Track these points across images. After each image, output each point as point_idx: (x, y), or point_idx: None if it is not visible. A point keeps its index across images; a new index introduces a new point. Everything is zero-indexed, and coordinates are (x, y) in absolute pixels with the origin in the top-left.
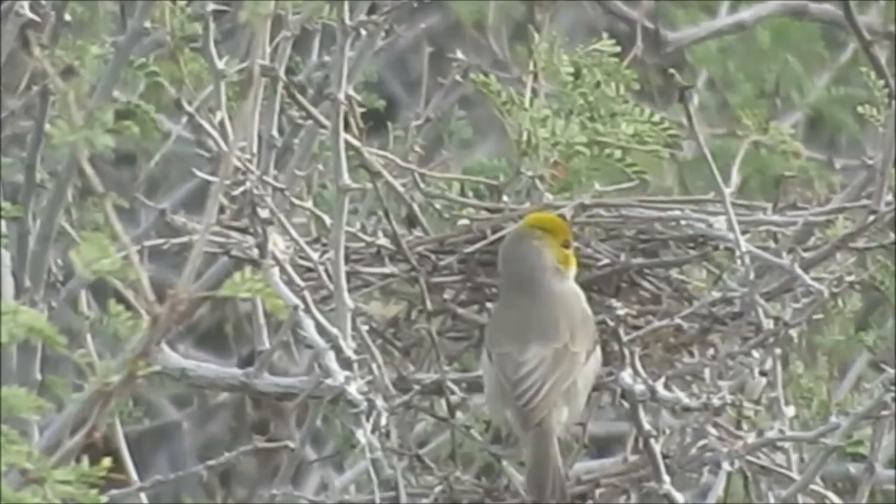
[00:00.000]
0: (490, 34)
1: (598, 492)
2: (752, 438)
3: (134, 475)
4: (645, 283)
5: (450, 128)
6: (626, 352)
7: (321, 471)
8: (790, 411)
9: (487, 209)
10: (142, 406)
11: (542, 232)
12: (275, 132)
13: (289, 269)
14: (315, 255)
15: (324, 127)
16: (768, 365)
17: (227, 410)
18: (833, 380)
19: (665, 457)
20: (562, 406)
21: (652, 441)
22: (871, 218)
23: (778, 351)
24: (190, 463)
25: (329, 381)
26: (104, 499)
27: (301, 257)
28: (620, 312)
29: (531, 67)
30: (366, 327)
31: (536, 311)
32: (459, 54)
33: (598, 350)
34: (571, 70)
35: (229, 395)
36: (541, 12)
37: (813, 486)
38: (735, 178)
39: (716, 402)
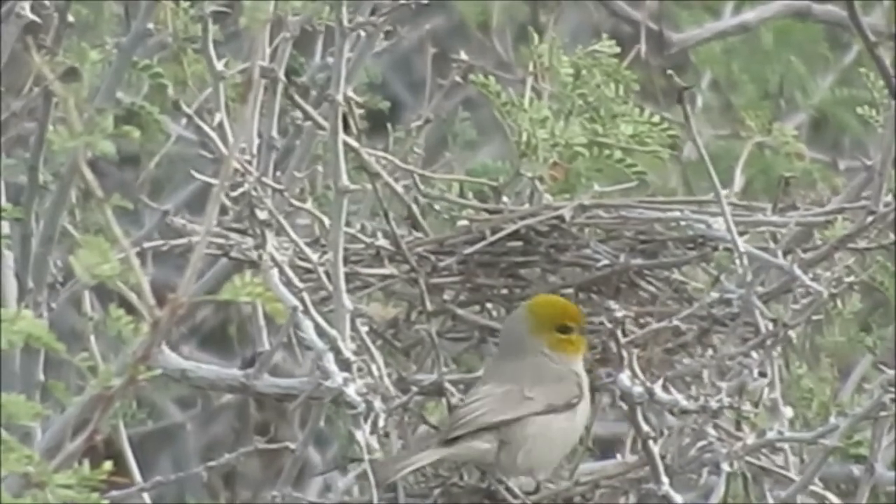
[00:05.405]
0: (494, 36)
1: (597, 493)
2: (751, 439)
3: (138, 477)
4: (644, 284)
5: (453, 129)
6: (625, 353)
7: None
8: (788, 412)
9: (487, 210)
10: (145, 408)
11: (531, 316)
12: (275, 133)
13: (288, 270)
14: (314, 257)
15: (322, 128)
16: (767, 366)
17: (231, 412)
18: (836, 381)
19: (664, 457)
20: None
21: (650, 442)
22: (870, 218)
23: (777, 352)
24: (193, 464)
25: (328, 383)
26: (105, 501)
27: (300, 258)
28: (619, 315)
29: (531, 68)
30: (365, 328)
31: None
32: (463, 56)
33: (578, 410)
34: (571, 71)
35: (233, 396)
36: (545, 14)
37: (813, 487)
38: (739, 179)
39: (713, 404)
